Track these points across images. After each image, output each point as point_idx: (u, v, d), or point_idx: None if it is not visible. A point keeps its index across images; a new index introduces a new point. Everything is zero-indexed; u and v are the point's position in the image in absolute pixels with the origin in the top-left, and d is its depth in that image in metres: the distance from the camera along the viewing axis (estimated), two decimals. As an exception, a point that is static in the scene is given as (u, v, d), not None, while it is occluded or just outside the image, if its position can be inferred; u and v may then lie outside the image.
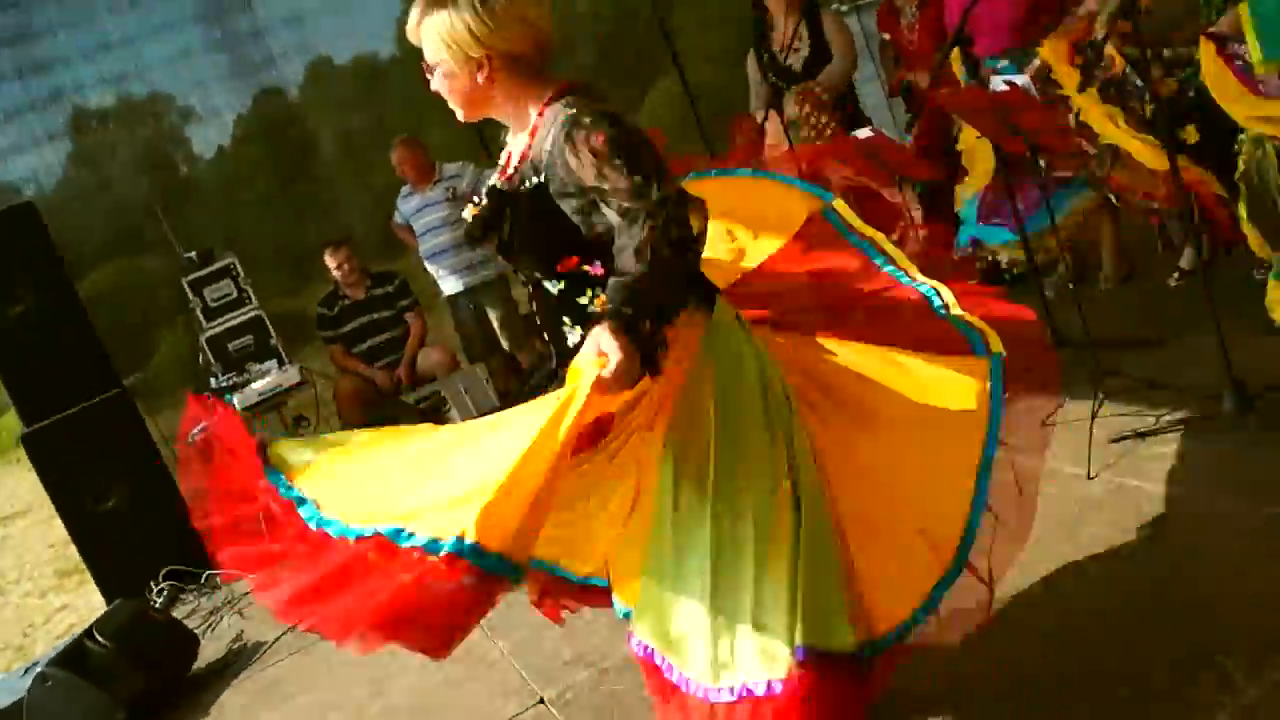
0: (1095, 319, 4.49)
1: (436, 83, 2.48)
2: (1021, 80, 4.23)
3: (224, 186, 9.26)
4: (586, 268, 2.44)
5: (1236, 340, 3.79)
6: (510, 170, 2.51)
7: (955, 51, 4.99)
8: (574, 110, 2.35)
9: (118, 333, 7.84)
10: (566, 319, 2.52)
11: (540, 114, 2.45)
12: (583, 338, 2.27)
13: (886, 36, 6.65)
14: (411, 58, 2.58)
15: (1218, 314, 3.73)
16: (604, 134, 2.28)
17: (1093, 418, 4.00)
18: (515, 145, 2.53)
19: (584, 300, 2.47)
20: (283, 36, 8.74)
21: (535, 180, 2.42)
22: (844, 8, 9.59)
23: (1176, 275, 5.40)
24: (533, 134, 2.45)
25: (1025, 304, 2.99)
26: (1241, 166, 4.22)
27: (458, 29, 2.39)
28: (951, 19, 5.54)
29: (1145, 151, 4.47)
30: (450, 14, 2.39)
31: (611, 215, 2.32)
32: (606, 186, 2.29)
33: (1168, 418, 3.94)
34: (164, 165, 9.28)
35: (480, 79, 2.43)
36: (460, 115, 2.54)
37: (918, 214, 5.69)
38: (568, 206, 2.40)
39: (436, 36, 2.41)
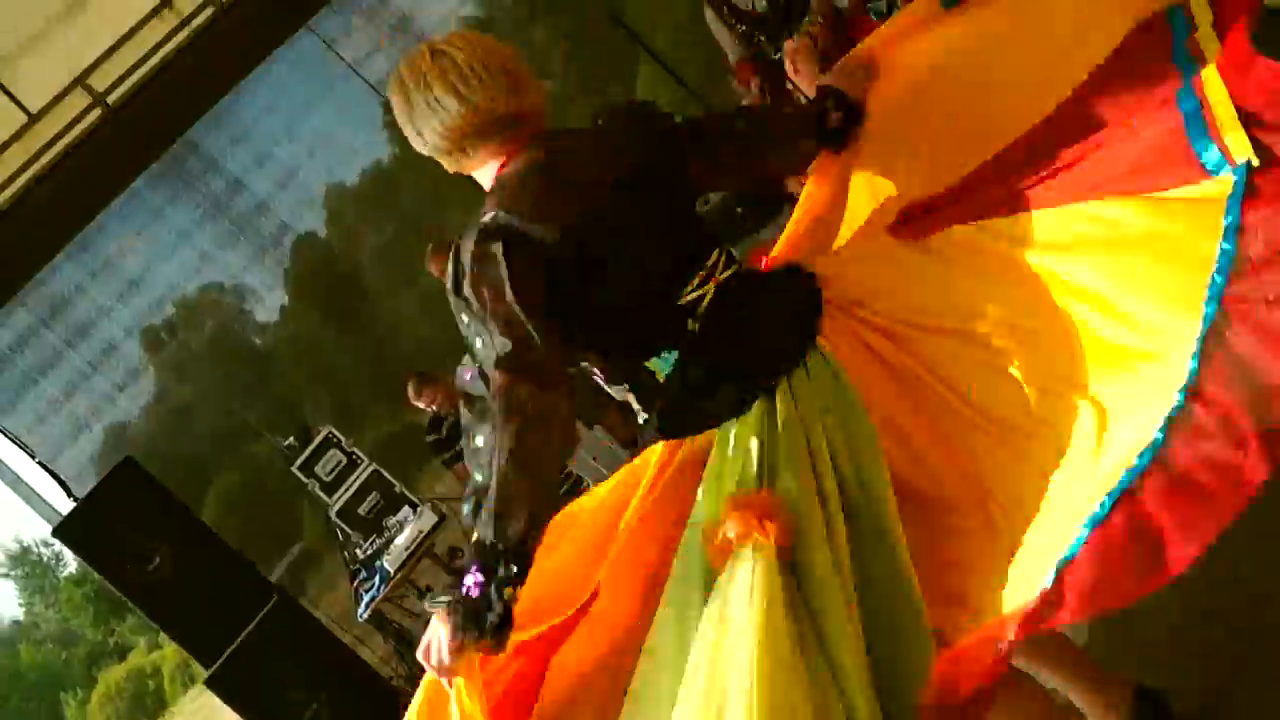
0: None
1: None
2: None
3: (297, 338, 9.36)
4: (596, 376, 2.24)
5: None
6: None
7: None
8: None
9: (255, 534, 7.92)
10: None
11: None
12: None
13: None
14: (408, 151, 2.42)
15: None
16: (462, 253, 2.02)
17: None
18: None
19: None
20: (284, 196, 8.83)
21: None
22: None
23: None
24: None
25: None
26: None
27: (438, 118, 2.16)
28: None
29: None
30: (429, 104, 2.16)
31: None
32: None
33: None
34: (239, 343, 9.40)
35: (471, 161, 2.19)
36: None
37: None
38: None
39: (416, 130, 2.18)
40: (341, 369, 9.22)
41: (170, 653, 39.64)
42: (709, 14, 6.46)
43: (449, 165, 2.20)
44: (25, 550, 61.67)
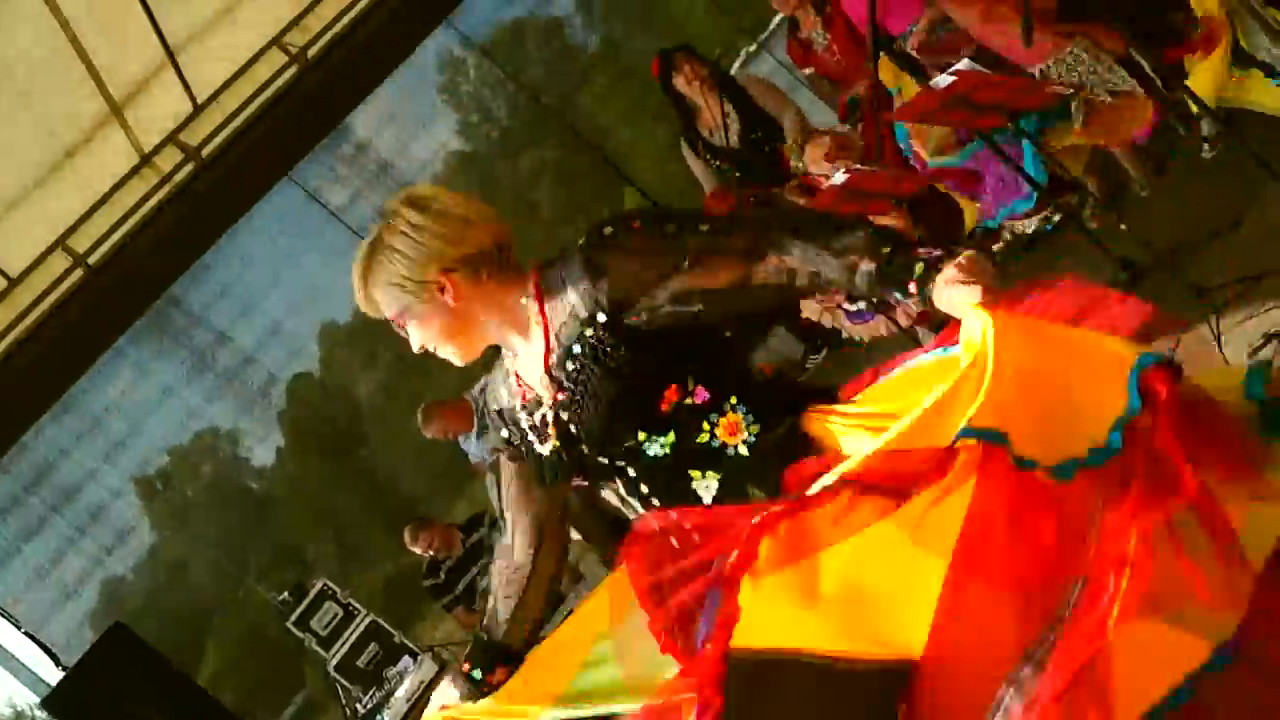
0: (1159, 229, 4.29)
1: (416, 338, 2.22)
2: (964, 64, 4.00)
3: (294, 480, 9.31)
4: (690, 399, 2.10)
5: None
6: (549, 363, 2.20)
7: (883, 59, 4.89)
8: (580, 241, 2.15)
9: (255, 689, 7.82)
10: (694, 472, 2.12)
11: (537, 296, 2.20)
12: (722, 484, 2.05)
13: (809, 70, 6.59)
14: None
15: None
16: (638, 217, 2.09)
17: (1218, 339, 3.56)
18: (528, 346, 2.24)
19: (705, 438, 2.09)
20: (272, 345, 8.85)
21: (597, 326, 2.13)
22: (751, 48, 9.65)
23: (1206, 146, 5.02)
24: (543, 313, 2.20)
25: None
26: None
27: (402, 262, 2.17)
28: (861, 22, 5.32)
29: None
30: (387, 255, 2.17)
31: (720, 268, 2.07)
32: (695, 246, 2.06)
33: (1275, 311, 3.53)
34: (235, 487, 9.37)
35: (449, 300, 2.17)
36: (459, 358, 2.28)
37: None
38: (648, 311, 2.11)
39: (386, 283, 2.18)
40: (340, 511, 9.20)
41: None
42: (685, 150, 6.57)
43: (430, 322, 2.17)
44: (19, 715, 61.08)
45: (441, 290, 2.15)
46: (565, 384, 2.17)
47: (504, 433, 2.34)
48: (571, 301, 2.17)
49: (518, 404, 2.27)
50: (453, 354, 2.25)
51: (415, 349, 2.23)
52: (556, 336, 2.19)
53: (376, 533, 9.11)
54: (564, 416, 2.18)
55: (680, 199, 9.42)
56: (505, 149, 10.32)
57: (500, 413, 2.33)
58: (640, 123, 10.12)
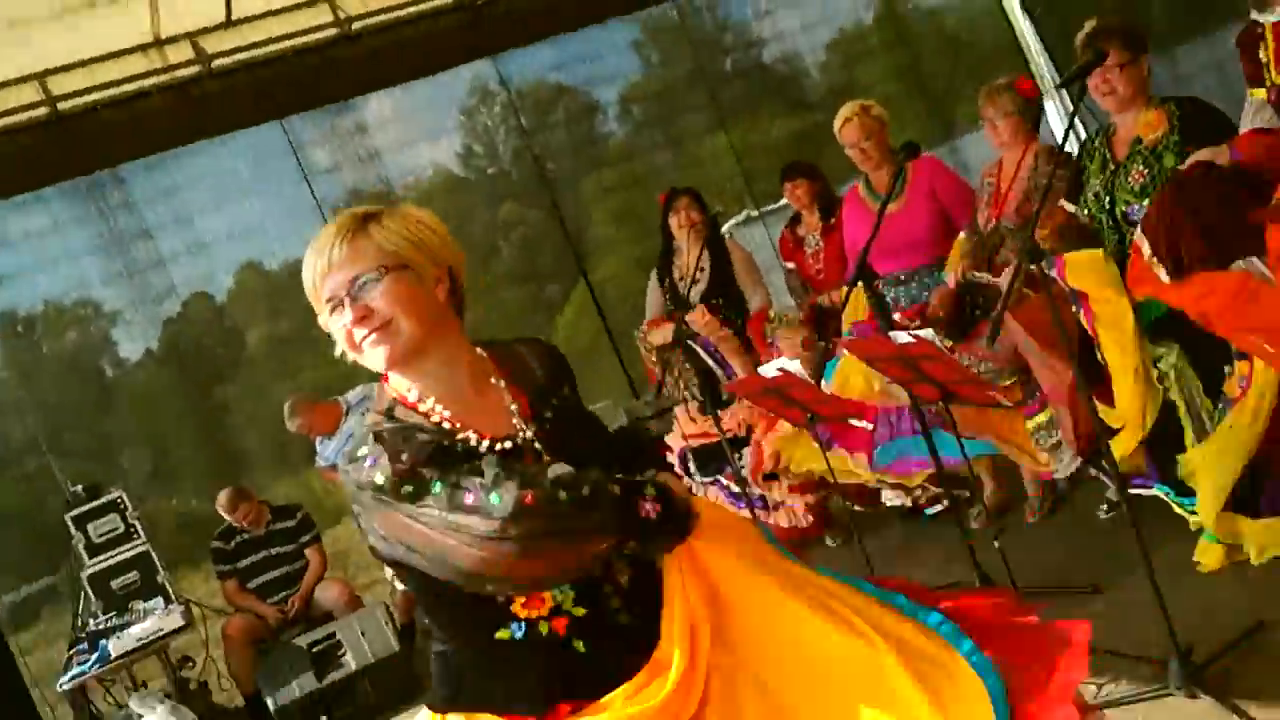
0: (1023, 557, 4.39)
1: (380, 299, 2.09)
2: (927, 333, 4.19)
3: (148, 386, 9.20)
4: None
5: (1176, 589, 3.65)
6: (528, 406, 2.25)
7: (859, 289, 5.02)
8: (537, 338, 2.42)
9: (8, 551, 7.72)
10: None
11: (485, 353, 2.28)
12: None
13: (791, 265, 6.74)
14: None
15: (1152, 559, 3.46)
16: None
17: None
18: (477, 395, 2.22)
19: None
20: (187, 262, 8.84)
21: (569, 392, 2.35)
22: (753, 213, 9.88)
23: (1105, 508, 5.23)
24: (501, 369, 2.27)
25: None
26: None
27: (425, 234, 2.15)
28: (855, 242, 5.68)
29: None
30: (412, 220, 2.16)
31: None
32: None
33: (1109, 686, 3.64)
34: (92, 367, 9.22)
35: (438, 293, 2.16)
36: (392, 346, 2.11)
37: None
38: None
39: (401, 234, 2.11)
40: (174, 436, 9.04)
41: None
42: (653, 281, 6.73)
43: (419, 296, 2.11)
44: None
45: (437, 281, 2.15)
46: (549, 434, 2.23)
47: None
48: (539, 372, 2.31)
49: (470, 441, 2.17)
50: (395, 337, 2.10)
51: (348, 324, 2.10)
52: (523, 389, 2.26)
53: (195, 472, 9.00)
54: (539, 447, 2.21)
55: (621, 312, 9.65)
56: (492, 191, 10.39)
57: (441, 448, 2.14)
58: (623, 230, 10.29)
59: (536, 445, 2.20)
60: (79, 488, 7.46)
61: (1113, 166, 4.33)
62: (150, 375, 9.27)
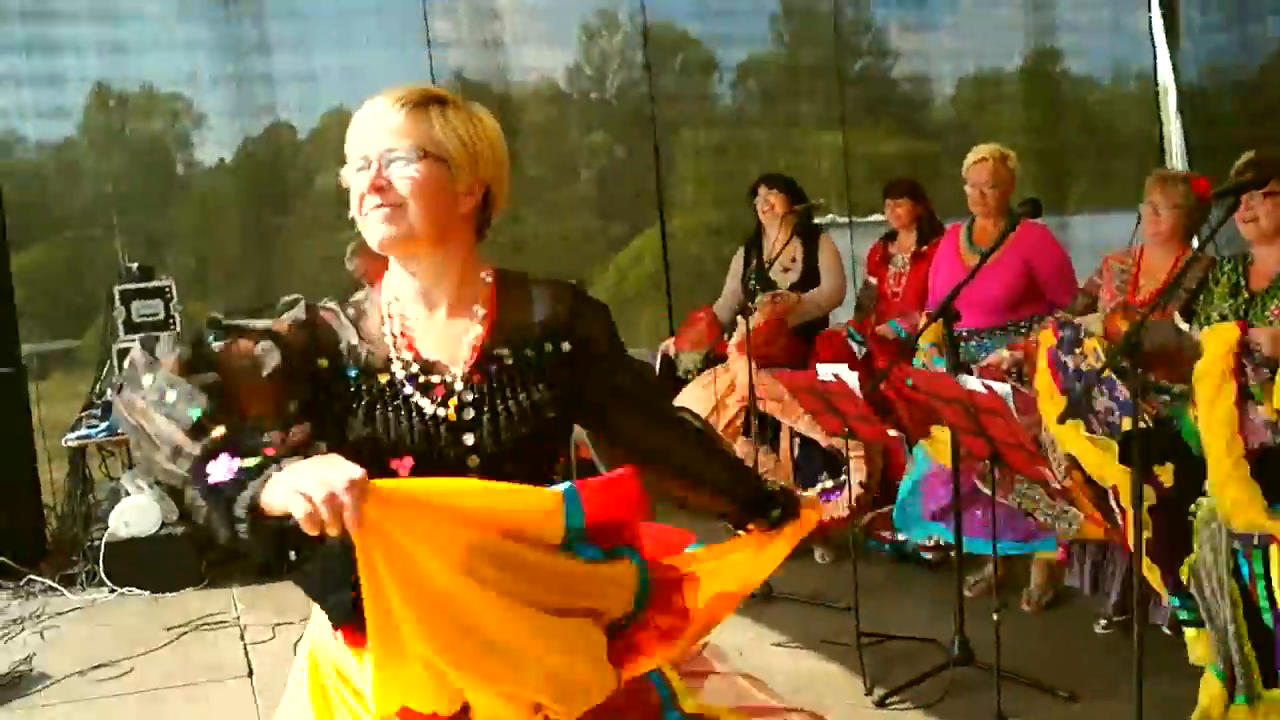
0: (1011, 643, 4.40)
1: (409, 182, 2.07)
2: (1004, 389, 4.11)
3: (211, 195, 9.35)
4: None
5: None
6: (483, 346, 2.20)
7: (934, 326, 5.10)
8: (570, 285, 2.32)
9: (50, 305, 8.09)
10: None
11: (495, 281, 2.26)
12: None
13: (872, 280, 6.75)
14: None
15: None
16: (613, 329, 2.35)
17: None
18: (450, 318, 2.21)
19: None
20: (292, 87, 8.98)
21: (554, 349, 2.23)
22: (840, 219, 9.92)
23: (1103, 624, 5.24)
24: (495, 298, 2.23)
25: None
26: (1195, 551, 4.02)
27: (485, 140, 2.15)
28: (937, 285, 5.70)
29: (1099, 460, 4.31)
30: (482, 115, 2.18)
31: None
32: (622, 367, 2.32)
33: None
34: (163, 162, 9.34)
35: (461, 204, 2.15)
36: (392, 230, 2.09)
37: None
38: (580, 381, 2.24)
39: (456, 133, 2.10)
40: (223, 251, 9.12)
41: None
42: (737, 259, 6.82)
43: (442, 192, 2.09)
44: None
45: (468, 191, 2.14)
46: (489, 375, 2.16)
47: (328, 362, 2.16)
48: (538, 316, 2.22)
49: (389, 355, 2.16)
50: (398, 222, 2.09)
51: (364, 188, 2.08)
52: (501, 326, 2.20)
53: (234, 288, 9.00)
54: (468, 399, 2.14)
55: (681, 269, 9.77)
56: (587, 116, 10.37)
57: (348, 348, 2.17)
58: (704, 193, 10.41)
59: (457, 384, 2.15)
60: (134, 265, 7.72)
61: (1246, 295, 4.26)
62: (217, 184, 9.36)
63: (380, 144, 2.07)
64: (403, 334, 2.18)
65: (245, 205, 9.15)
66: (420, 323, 2.20)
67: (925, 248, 6.36)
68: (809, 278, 6.62)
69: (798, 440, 6.40)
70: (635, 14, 10.01)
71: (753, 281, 6.63)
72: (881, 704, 4.61)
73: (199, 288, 8.17)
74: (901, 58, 10.95)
